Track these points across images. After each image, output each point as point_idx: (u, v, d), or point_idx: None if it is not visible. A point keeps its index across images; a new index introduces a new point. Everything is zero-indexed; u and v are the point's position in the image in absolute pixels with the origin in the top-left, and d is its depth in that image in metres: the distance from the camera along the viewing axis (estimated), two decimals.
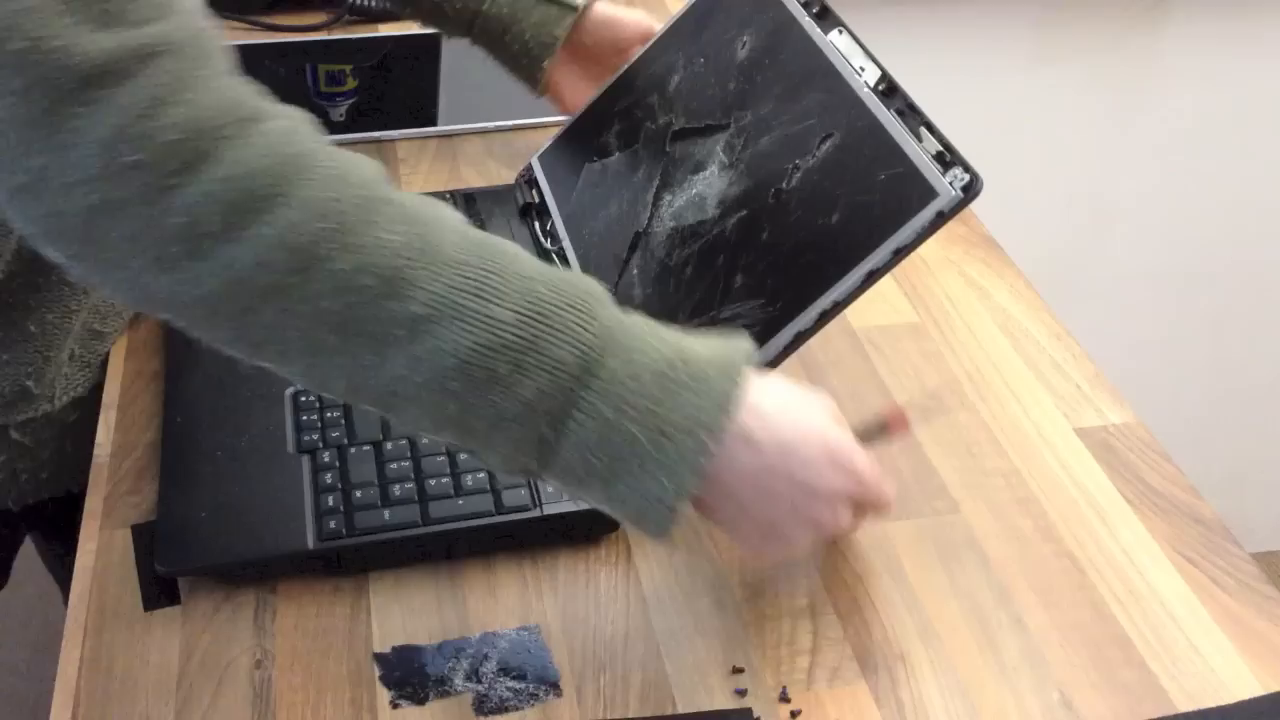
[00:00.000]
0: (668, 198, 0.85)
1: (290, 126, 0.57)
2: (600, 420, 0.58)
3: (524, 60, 1.00)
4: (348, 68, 1.26)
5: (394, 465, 0.78)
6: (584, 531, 0.77)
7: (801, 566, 0.77)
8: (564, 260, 0.93)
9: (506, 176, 1.09)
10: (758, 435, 0.61)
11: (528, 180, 1.02)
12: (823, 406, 0.65)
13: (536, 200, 1.00)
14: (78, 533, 0.77)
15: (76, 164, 0.53)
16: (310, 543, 0.74)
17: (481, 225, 1.00)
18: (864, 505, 0.67)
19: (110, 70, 0.53)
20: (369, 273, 0.56)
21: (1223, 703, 0.69)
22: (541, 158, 1.02)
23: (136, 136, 0.53)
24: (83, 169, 0.53)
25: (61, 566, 1.06)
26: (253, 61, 1.35)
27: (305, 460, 0.79)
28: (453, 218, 0.60)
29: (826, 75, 0.78)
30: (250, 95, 0.57)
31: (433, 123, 1.17)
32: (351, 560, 0.75)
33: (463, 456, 0.79)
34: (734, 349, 0.62)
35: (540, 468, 0.60)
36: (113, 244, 0.55)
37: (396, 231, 0.57)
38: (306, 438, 0.80)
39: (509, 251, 0.60)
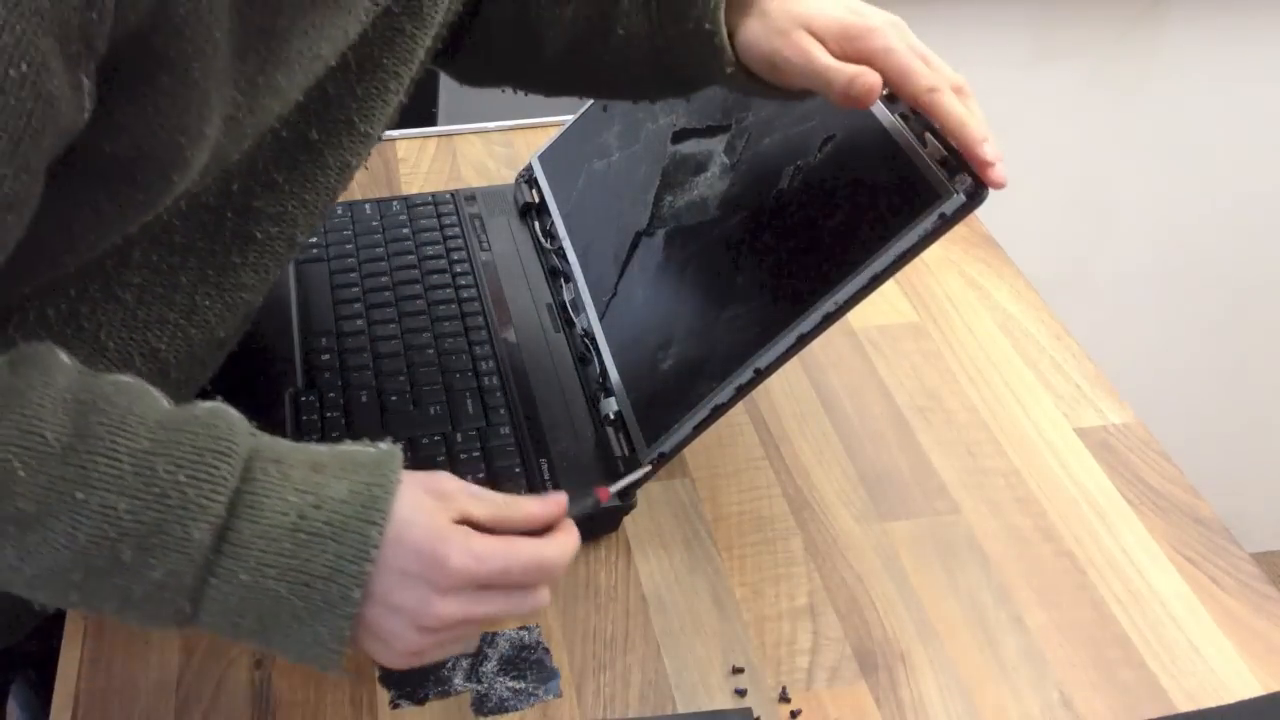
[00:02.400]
0: (669, 198, 0.85)
1: None
2: (237, 585, 0.55)
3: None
4: None
5: None
6: (584, 532, 0.77)
7: (802, 567, 0.77)
8: (564, 260, 0.93)
9: (506, 176, 1.09)
10: (388, 574, 0.57)
11: (528, 180, 1.02)
12: (442, 527, 0.59)
13: (536, 200, 1.00)
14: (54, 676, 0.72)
15: None
16: None
17: (481, 225, 1.01)
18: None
19: None
20: None
21: (1223, 703, 0.69)
22: (542, 157, 1.02)
23: None
24: None
25: (35, 693, 1.03)
26: None
27: None
28: (56, 385, 0.55)
29: None
30: None
31: (433, 123, 1.17)
32: None
33: (463, 456, 0.79)
34: (375, 478, 0.57)
35: (190, 628, 0.58)
36: None
37: None
38: (307, 438, 0.80)
39: (119, 418, 0.55)
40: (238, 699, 0.69)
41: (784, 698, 0.69)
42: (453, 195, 1.04)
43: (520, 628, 0.72)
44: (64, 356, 0.57)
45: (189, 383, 0.74)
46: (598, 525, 0.77)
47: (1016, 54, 1.67)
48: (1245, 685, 0.70)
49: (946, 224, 0.66)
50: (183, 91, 0.54)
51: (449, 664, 0.70)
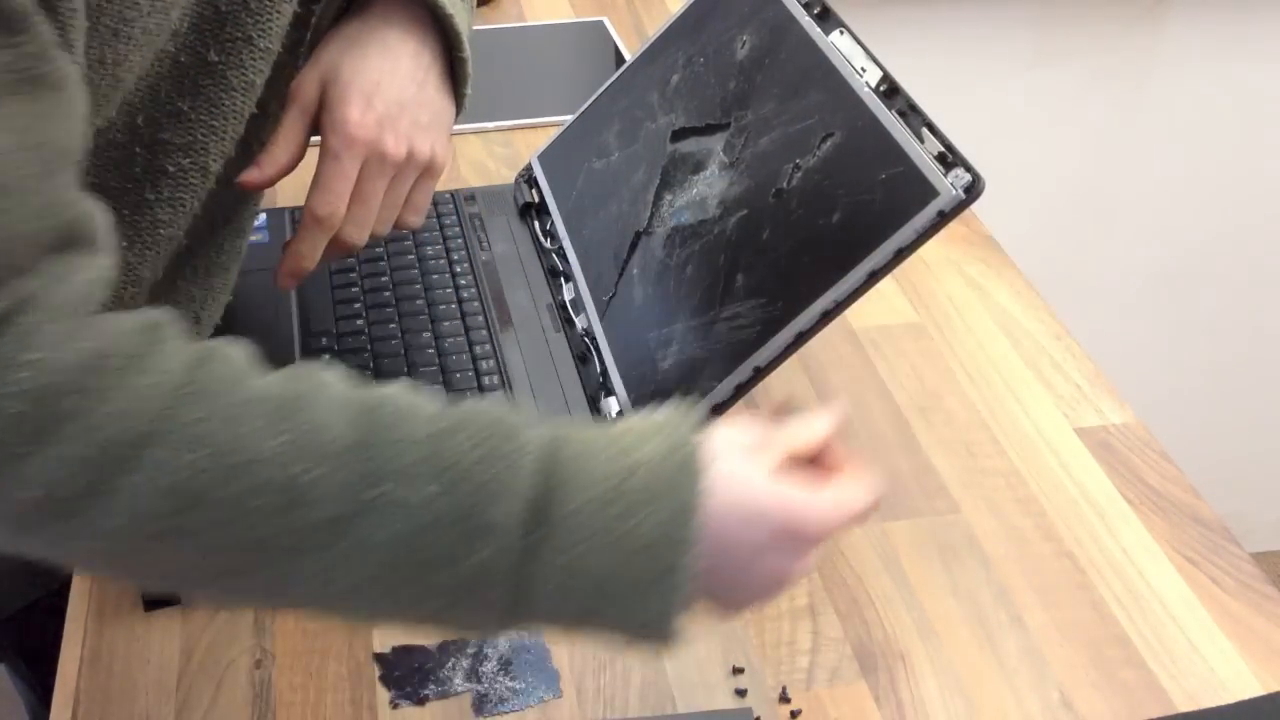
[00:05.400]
0: (668, 197, 0.85)
1: (147, 356, 0.51)
2: (565, 565, 0.52)
3: None
4: None
5: None
6: None
7: None
8: (564, 260, 0.93)
9: (506, 176, 1.09)
10: (724, 532, 0.55)
11: (528, 180, 1.02)
12: (788, 495, 0.57)
13: (536, 200, 1.00)
14: (50, 653, 0.72)
15: None
16: None
17: (481, 225, 1.01)
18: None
19: None
20: (260, 492, 0.50)
21: (1222, 703, 0.69)
22: (541, 157, 1.02)
23: None
24: None
25: (29, 687, 1.01)
26: None
27: None
28: (333, 389, 0.54)
29: (827, 75, 0.78)
30: (110, 335, 0.51)
31: None
32: None
33: None
34: (683, 436, 0.55)
35: (512, 625, 0.55)
36: None
37: (272, 434, 0.51)
38: None
39: (404, 409, 0.53)
40: (238, 699, 0.69)
41: (784, 698, 0.69)
42: (452, 195, 1.04)
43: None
44: (332, 373, 0.55)
45: None
46: None
47: (1017, 54, 1.67)
48: (1245, 685, 0.70)
49: (943, 220, 0.67)
50: None
51: (449, 664, 0.70)
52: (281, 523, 0.51)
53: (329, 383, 0.54)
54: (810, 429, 0.60)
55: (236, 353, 0.54)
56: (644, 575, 0.53)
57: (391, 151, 0.72)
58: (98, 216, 0.54)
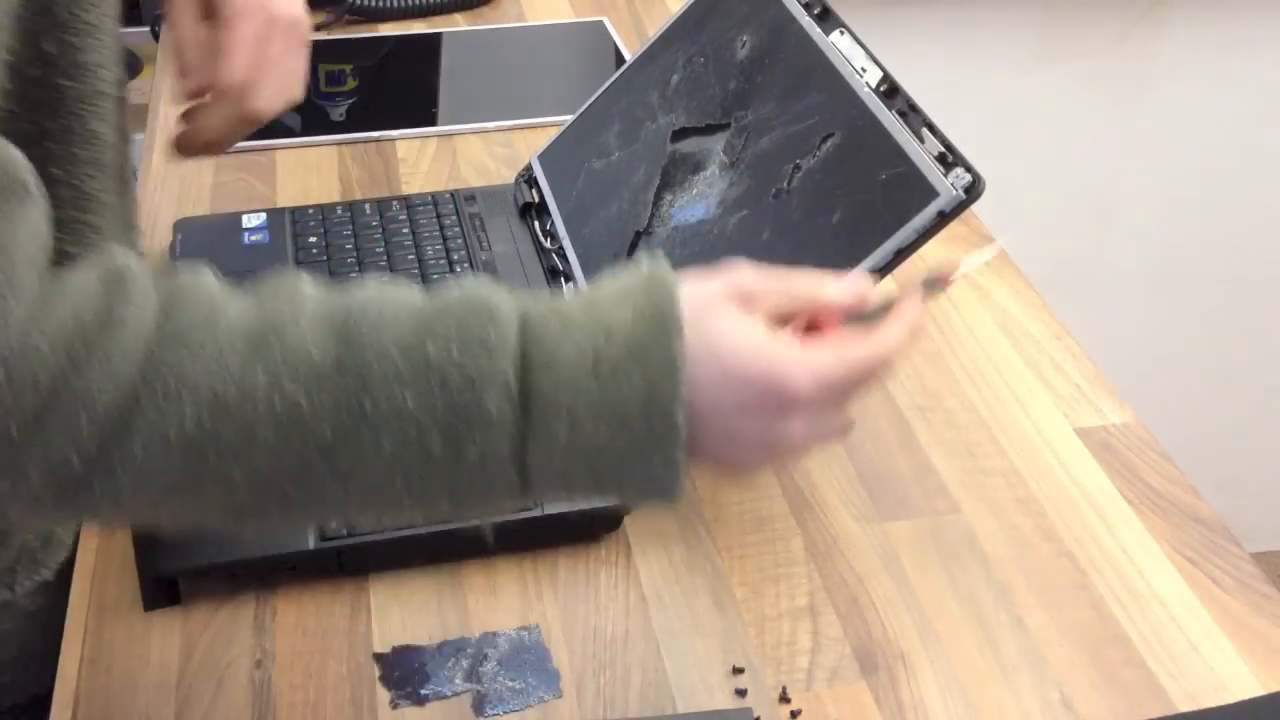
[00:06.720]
0: (668, 197, 0.86)
1: (114, 322, 0.50)
2: (557, 444, 0.53)
3: None
4: (348, 68, 1.26)
5: None
6: (584, 531, 0.77)
7: (802, 567, 0.77)
8: (564, 260, 0.93)
9: (506, 176, 1.09)
10: (701, 390, 0.54)
11: (528, 180, 1.02)
12: (770, 349, 0.55)
13: (536, 200, 1.00)
14: None
15: None
16: (310, 543, 0.74)
17: (481, 225, 1.00)
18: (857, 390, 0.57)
19: None
20: (258, 426, 0.51)
21: (1222, 703, 0.69)
22: (541, 157, 1.02)
23: None
24: None
25: None
26: None
27: None
28: (307, 308, 0.53)
29: (827, 75, 0.78)
30: (76, 301, 0.50)
31: (433, 123, 1.17)
32: (351, 560, 0.75)
33: None
34: (653, 292, 0.54)
35: (529, 498, 0.56)
36: None
37: (255, 368, 0.51)
38: None
39: (377, 316, 0.53)
40: (238, 699, 0.69)
41: (784, 698, 0.69)
42: (453, 195, 1.04)
43: (520, 627, 0.72)
44: (307, 279, 0.55)
45: None
46: (598, 525, 0.77)
47: (1018, 55, 1.67)
48: (1245, 685, 0.70)
49: (944, 220, 0.67)
50: None
51: (449, 664, 0.70)
52: (285, 450, 0.51)
53: (302, 299, 0.54)
54: (813, 288, 0.58)
55: (203, 285, 0.53)
56: (641, 436, 0.53)
57: (283, 12, 0.74)
58: (24, 161, 0.53)
